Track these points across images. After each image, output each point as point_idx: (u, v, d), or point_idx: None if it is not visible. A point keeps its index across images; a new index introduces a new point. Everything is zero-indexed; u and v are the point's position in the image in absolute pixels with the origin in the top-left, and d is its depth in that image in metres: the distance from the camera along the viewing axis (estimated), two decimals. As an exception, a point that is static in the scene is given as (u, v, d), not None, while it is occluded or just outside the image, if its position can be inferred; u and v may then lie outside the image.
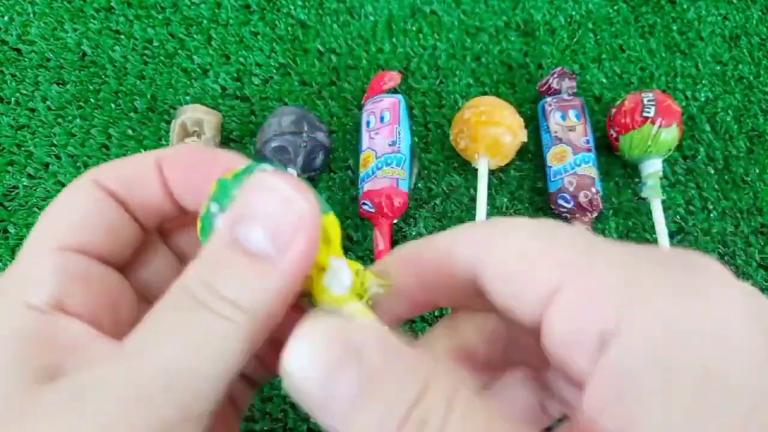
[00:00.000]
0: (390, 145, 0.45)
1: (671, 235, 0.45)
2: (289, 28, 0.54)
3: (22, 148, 0.47)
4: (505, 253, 0.15)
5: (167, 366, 0.13)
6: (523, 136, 0.46)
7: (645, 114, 0.45)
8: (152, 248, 0.20)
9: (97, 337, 0.15)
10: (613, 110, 0.48)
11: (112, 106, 0.49)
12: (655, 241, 0.44)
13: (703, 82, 0.53)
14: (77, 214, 0.17)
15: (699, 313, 0.12)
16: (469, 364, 0.18)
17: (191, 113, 0.45)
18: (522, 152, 0.48)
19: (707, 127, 0.51)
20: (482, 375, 0.19)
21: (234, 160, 0.18)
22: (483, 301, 0.16)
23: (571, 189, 0.44)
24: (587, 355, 0.13)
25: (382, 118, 0.47)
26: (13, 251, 0.43)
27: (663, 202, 0.45)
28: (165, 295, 0.15)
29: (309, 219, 0.14)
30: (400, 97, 0.48)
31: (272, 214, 0.14)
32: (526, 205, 0.47)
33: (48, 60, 0.51)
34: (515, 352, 0.18)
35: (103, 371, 0.14)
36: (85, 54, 0.52)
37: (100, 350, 0.15)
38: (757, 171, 0.49)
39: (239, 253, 0.14)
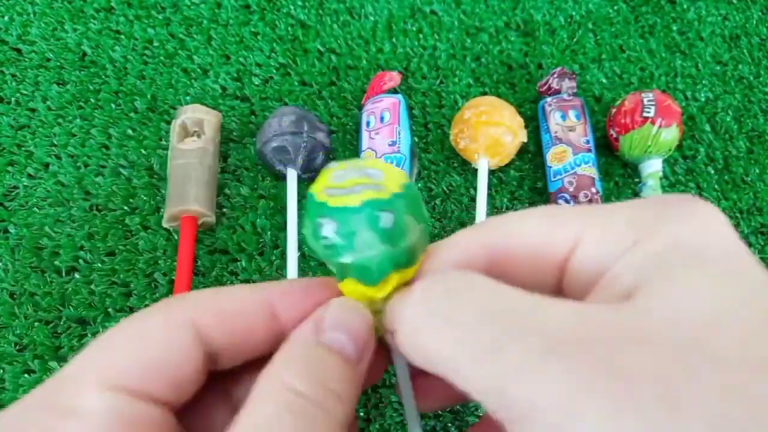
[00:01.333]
0: (390, 145, 0.45)
1: (671, 235, 0.45)
2: (289, 28, 0.54)
3: (22, 148, 0.47)
4: (524, 224, 0.17)
5: None
6: (523, 136, 0.46)
7: (645, 114, 0.45)
8: (207, 389, 0.19)
9: None
10: (613, 110, 0.48)
11: (112, 106, 0.49)
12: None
13: (703, 82, 0.53)
14: (154, 354, 0.16)
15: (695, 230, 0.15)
16: None
17: (191, 113, 0.45)
18: (522, 152, 0.48)
19: (707, 127, 0.51)
20: None
21: (332, 286, 0.19)
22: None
23: (571, 189, 0.44)
24: (601, 278, 0.15)
25: (382, 118, 0.47)
26: (13, 251, 0.43)
27: (663, 202, 0.45)
28: (257, 392, 0.15)
29: (373, 339, 0.18)
30: (400, 97, 0.48)
31: (358, 330, 0.17)
32: (526, 205, 0.47)
33: (48, 60, 0.51)
34: None
35: None
36: (85, 54, 0.52)
37: None
38: (757, 171, 0.49)
39: (333, 353, 0.16)
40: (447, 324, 0.14)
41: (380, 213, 0.16)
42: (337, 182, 0.17)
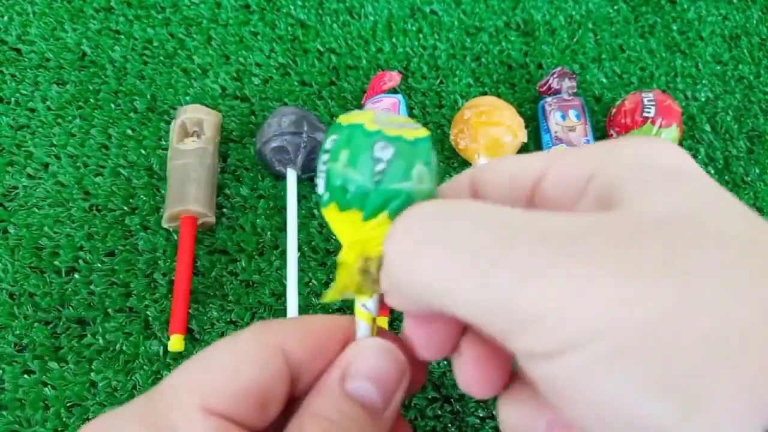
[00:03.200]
0: (390, 145, 0.45)
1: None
2: (289, 28, 0.54)
3: (22, 148, 0.47)
4: (497, 170, 0.18)
5: None
6: (523, 136, 0.46)
7: (645, 114, 0.45)
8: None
9: None
10: (613, 110, 0.48)
11: (112, 106, 0.49)
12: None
13: (703, 82, 0.53)
14: (249, 379, 0.16)
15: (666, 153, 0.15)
16: None
17: (191, 113, 0.45)
18: (522, 152, 0.48)
19: (707, 127, 0.51)
20: None
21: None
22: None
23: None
24: (576, 197, 0.16)
25: (382, 118, 0.47)
26: (12, 251, 0.43)
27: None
28: None
29: (405, 378, 0.17)
30: (400, 97, 0.48)
31: (383, 376, 0.17)
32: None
33: (48, 60, 0.51)
34: None
35: None
36: (85, 54, 0.52)
37: None
38: (757, 171, 0.49)
39: (358, 405, 0.16)
40: (436, 244, 0.14)
41: (432, 152, 0.17)
42: (382, 119, 0.17)
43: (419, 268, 0.14)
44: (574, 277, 0.12)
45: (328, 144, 0.17)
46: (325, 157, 0.17)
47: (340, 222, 0.17)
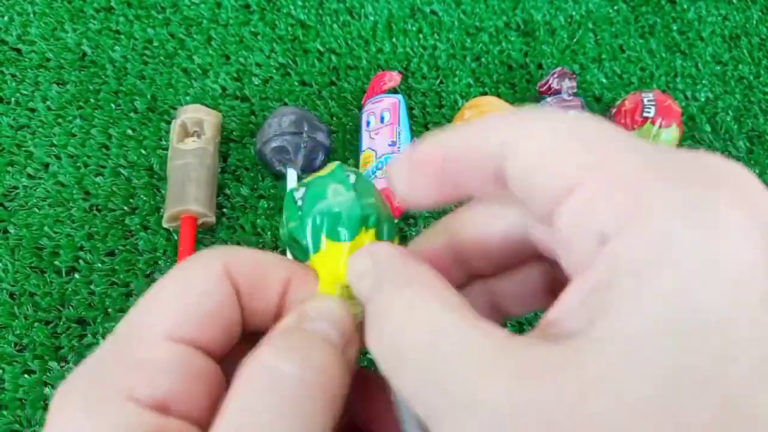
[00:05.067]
0: (390, 145, 0.45)
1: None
2: (289, 28, 0.54)
3: (22, 148, 0.47)
4: (526, 148, 0.15)
5: None
6: (523, 136, 0.46)
7: (645, 114, 0.45)
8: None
9: None
10: (613, 110, 0.48)
11: (112, 106, 0.49)
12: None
13: (703, 82, 0.53)
14: (203, 304, 0.16)
15: (700, 238, 0.12)
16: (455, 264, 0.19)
17: (191, 113, 0.45)
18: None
19: (707, 127, 0.51)
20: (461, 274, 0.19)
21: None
22: (505, 192, 0.16)
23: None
24: (585, 254, 0.13)
25: (382, 118, 0.47)
26: (13, 251, 0.43)
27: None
28: (239, 378, 0.15)
29: (357, 334, 0.17)
30: (400, 97, 0.48)
31: (341, 319, 0.17)
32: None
33: (48, 60, 0.51)
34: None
35: None
36: (85, 54, 0.52)
37: None
38: (757, 171, 0.49)
39: (316, 336, 0.16)
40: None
41: (348, 172, 0.19)
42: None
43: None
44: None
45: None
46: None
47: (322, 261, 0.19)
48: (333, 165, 0.19)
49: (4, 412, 0.37)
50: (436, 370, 0.13)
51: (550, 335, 0.13)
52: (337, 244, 0.18)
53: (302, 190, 0.19)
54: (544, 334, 0.13)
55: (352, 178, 0.19)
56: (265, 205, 0.46)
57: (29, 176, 0.46)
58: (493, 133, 0.16)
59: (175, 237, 0.44)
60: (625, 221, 0.12)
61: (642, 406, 0.10)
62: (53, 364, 0.39)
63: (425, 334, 0.14)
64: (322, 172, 0.19)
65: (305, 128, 0.44)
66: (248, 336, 0.17)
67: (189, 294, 0.16)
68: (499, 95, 0.51)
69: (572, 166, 0.14)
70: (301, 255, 0.19)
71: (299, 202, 0.19)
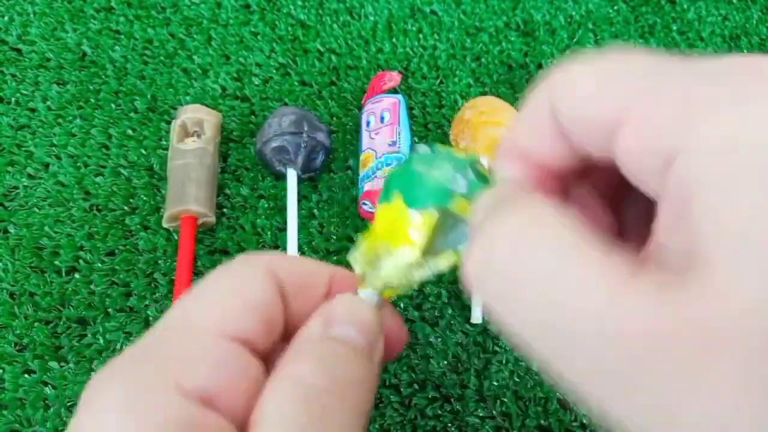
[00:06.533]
0: (390, 145, 0.45)
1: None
2: (289, 28, 0.54)
3: (22, 148, 0.47)
4: (572, 91, 0.14)
5: None
6: (523, 136, 0.46)
7: (645, 114, 0.45)
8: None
9: None
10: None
11: (112, 106, 0.49)
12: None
13: (703, 82, 0.53)
14: (251, 303, 0.16)
15: (761, 121, 0.11)
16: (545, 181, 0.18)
17: (191, 113, 0.45)
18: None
19: (707, 127, 0.51)
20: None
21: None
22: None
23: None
24: (657, 177, 0.12)
25: (382, 118, 0.47)
26: (13, 251, 0.43)
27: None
28: (268, 391, 0.15)
29: (383, 332, 0.17)
30: (400, 97, 0.48)
31: (368, 323, 0.17)
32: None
33: (48, 60, 0.51)
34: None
35: None
36: (85, 54, 0.52)
37: None
38: (757, 171, 0.49)
39: (343, 344, 0.16)
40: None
41: (468, 167, 0.19)
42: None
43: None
44: None
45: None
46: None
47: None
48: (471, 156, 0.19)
49: (4, 412, 0.37)
50: (562, 303, 0.12)
51: (664, 265, 0.12)
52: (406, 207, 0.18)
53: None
54: (659, 263, 0.12)
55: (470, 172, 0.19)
56: (265, 205, 0.46)
57: (29, 176, 0.46)
58: (542, 93, 0.15)
59: (175, 237, 0.44)
60: (683, 134, 0.12)
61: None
62: (53, 364, 0.39)
63: (543, 260, 0.12)
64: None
65: (305, 128, 0.44)
66: (288, 335, 0.18)
67: (239, 293, 0.16)
68: (499, 95, 0.51)
69: (619, 92, 0.13)
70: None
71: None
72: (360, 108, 0.50)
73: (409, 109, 0.50)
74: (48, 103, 0.49)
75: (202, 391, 0.14)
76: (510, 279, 0.13)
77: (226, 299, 0.16)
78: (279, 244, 0.44)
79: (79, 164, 0.47)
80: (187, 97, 0.50)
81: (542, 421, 0.39)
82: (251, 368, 0.16)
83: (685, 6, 0.57)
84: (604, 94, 0.13)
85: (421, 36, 0.55)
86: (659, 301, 0.11)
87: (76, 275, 0.42)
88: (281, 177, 0.46)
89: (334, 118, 0.50)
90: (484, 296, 0.14)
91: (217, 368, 0.15)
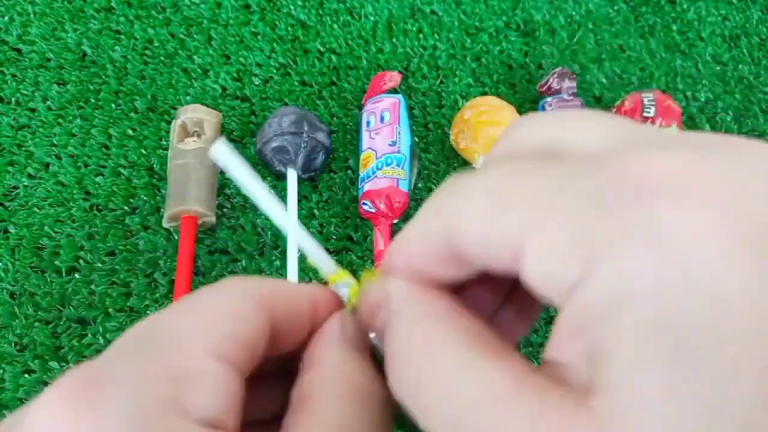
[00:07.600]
0: (390, 145, 0.45)
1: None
2: (289, 28, 0.54)
3: (22, 148, 0.47)
4: (467, 224, 0.14)
5: None
6: (523, 136, 0.46)
7: (645, 114, 0.45)
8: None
9: None
10: (613, 110, 0.48)
11: (113, 106, 0.49)
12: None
13: (703, 82, 0.53)
14: (241, 327, 0.16)
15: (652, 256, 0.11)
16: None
17: (192, 113, 0.46)
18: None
19: (707, 127, 0.51)
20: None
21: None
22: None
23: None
24: (559, 300, 0.13)
25: (382, 118, 0.47)
26: (13, 251, 0.43)
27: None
28: (310, 394, 0.16)
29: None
30: (400, 97, 0.48)
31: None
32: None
33: (48, 60, 0.51)
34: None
35: None
36: (85, 54, 0.52)
37: None
38: (757, 171, 0.49)
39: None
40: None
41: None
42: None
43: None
44: None
45: None
46: None
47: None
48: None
49: (5, 412, 0.37)
50: (460, 416, 0.13)
51: (559, 377, 0.13)
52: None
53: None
54: (552, 375, 0.13)
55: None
56: (265, 205, 0.46)
57: (29, 176, 0.46)
58: (433, 218, 0.16)
59: (176, 237, 0.44)
60: (580, 270, 0.12)
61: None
62: (53, 363, 0.39)
63: (444, 376, 0.14)
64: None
65: (305, 128, 0.44)
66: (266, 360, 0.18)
67: (229, 315, 0.16)
68: (499, 95, 0.51)
69: (514, 224, 0.13)
70: None
71: None
72: (360, 108, 0.50)
73: (410, 109, 0.50)
74: (48, 103, 0.49)
75: (205, 414, 0.14)
76: (421, 396, 0.14)
77: (216, 321, 0.16)
78: (279, 244, 0.44)
79: (79, 164, 0.47)
80: (187, 97, 0.50)
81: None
82: (241, 391, 0.16)
83: (685, 6, 0.57)
84: (505, 219, 0.14)
85: (421, 36, 0.55)
86: (543, 410, 0.12)
87: (77, 275, 0.42)
88: (281, 177, 0.46)
89: (334, 118, 0.50)
90: (406, 402, 0.15)
91: (216, 390, 0.15)
